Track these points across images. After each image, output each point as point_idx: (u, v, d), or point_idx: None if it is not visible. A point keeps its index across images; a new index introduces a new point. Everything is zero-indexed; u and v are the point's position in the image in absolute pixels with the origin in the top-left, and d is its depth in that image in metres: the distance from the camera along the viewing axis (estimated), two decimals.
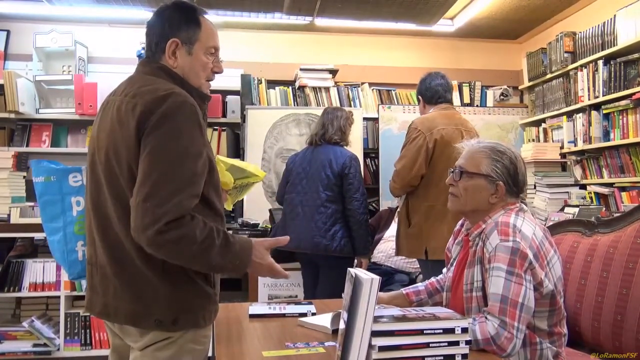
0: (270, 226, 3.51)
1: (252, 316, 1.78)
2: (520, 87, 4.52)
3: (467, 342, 1.26)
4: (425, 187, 2.71)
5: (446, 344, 1.23)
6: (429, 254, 2.65)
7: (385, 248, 3.43)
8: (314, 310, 1.81)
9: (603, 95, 3.40)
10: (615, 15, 3.31)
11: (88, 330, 3.51)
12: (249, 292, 3.44)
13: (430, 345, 1.22)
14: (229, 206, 1.87)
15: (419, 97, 2.95)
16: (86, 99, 3.82)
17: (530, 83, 4.28)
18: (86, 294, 1.44)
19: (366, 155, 4.11)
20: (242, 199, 3.72)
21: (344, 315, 1.18)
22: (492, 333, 1.43)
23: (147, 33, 1.46)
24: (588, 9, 3.80)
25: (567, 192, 3.59)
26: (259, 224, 3.57)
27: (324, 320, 1.62)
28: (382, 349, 1.18)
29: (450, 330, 1.24)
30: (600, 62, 3.43)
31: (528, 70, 4.29)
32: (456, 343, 1.24)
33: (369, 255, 3.21)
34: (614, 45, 3.33)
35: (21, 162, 3.66)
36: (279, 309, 1.83)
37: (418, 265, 3.17)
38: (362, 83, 4.25)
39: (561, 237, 2.23)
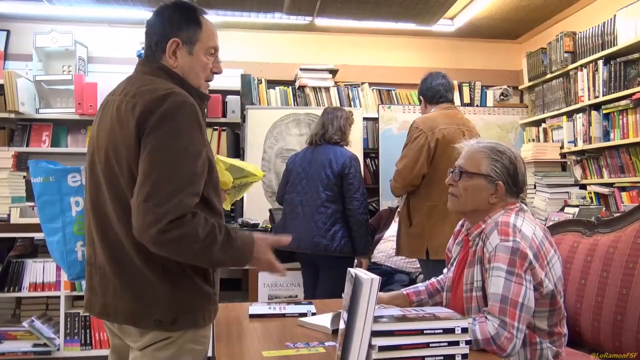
0: (270, 226, 3.51)
1: (252, 316, 1.77)
2: (520, 87, 4.52)
3: (467, 342, 1.26)
4: (427, 187, 2.71)
5: (446, 344, 1.23)
6: (430, 253, 2.65)
7: (386, 248, 3.43)
8: (314, 310, 1.81)
9: (603, 95, 3.40)
10: (615, 15, 3.31)
11: (88, 330, 3.51)
12: (249, 292, 3.44)
13: (430, 345, 1.22)
14: (227, 206, 1.87)
15: (420, 97, 2.95)
16: (86, 99, 3.83)
17: (530, 83, 4.28)
18: (85, 294, 1.44)
19: (366, 155, 4.11)
20: (242, 199, 3.72)
21: (344, 315, 1.18)
22: (492, 333, 1.42)
23: (147, 32, 1.46)
24: (588, 9, 3.81)
25: (567, 192, 3.59)
26: (259, 224, 3.58)
27: (324, 320, 1.62)
28: (382, 349, 1.18)
29: (450, 330, 1.23)
30: (600, 62, 3.43)
31: (528, 70, 4.29)
32: (456, 343, 1.24)
33: (369, 255, 3.21)
34: (614, 45, 3.33)
35: (21, 162, 3.66)
36: (279, 309, 1.83)
37: (418, 265, 3.17)
38: (362, 83, 4.25)
39: (561, 237, 2.23)
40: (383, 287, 2.69)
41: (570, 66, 3.74)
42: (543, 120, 4.11)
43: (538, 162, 3.74)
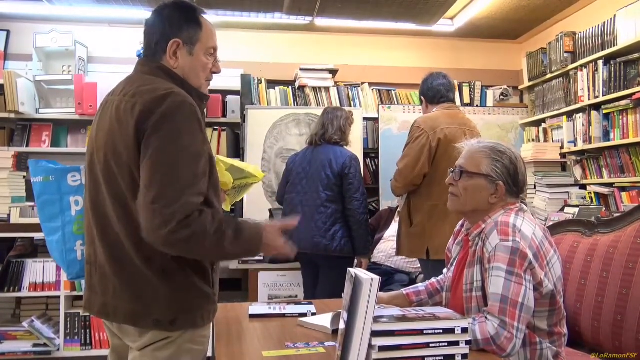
0: None
1: (252, 316, 1.78)
2: (520, 87, 4.52)
3: (467, 342, 1.26)
4: (428, 186, 2.71)
5: (446, 344, 1.23)
6: (431, 253, 2.65)
7: (386, 248, 3.43)
8: (314, 310, 1.81)
9: (603, 95, 3.40)
10: (615, 15, 3.31)
11: (88, 330, 3.51)
12: (249, 292, 3.44)
13: (430, 345, 1.22)
14: (227, 207, 1.87)
15: (422, 97, 2.95)
16: (86, 99, 3.82)
17: (530, 83, 4.28)
18: (84, 293, 1.44)
19: (366, 155, 4.11)
20: (242, 199, 3.72)
21: (344, 315, 1.18)
22: (492, 333, 1.43)
23: (146, 32, 1.46)
24: (588, 9, 3.81)
25: (567, 192, 3.59)
26: None
27: (324, 320, 1.62)
28: (382, 349, 1.19)
29: (450, 330, 1.24)
30: (600, 62, 3.43)
31: (528, 70, 4.29)
32: (456, 343, 1.24)
33: (369, 255, 3.21)
34: (614, 45, 3.33)
35: (21, 162, 3.66)
36: (279, 309, 1.83)
37: (418, 265, 3.17)
38: (362, 83, 4.25)
39: (561, 237, 2.23)
40: (383, 287, 2.69)
41: (570, 66, 3.74)
42: (543, 120, 4.11)
43: (538, 162, 3.74)
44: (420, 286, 1.95)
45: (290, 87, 4.16)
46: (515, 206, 1.65)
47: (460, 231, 1.81)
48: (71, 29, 3.97)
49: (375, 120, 4.16)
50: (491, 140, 1.79)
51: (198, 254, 1.31)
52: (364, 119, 4.12)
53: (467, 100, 4.33)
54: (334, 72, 4.16)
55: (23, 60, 4.02)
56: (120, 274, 1.32)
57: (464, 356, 1.25)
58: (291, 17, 3.94)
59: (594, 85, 3.51)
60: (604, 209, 3.27)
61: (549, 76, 4.01)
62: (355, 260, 3.07)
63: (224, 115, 4.09)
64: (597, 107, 3.51)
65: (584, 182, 3.63)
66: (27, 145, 3.89)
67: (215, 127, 4.02)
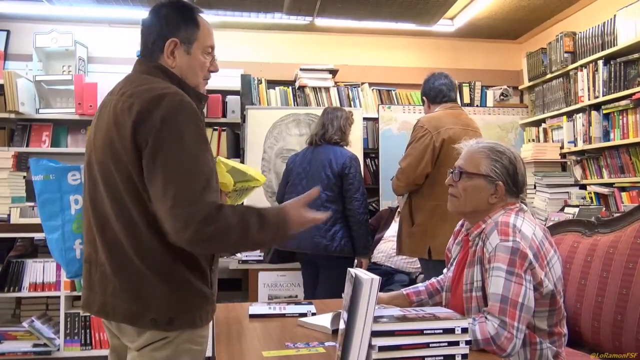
0: None
1: (252, 316, 1.78)
2: (520, 87, 4.52)
3: (467, 342, 1.26)
4: (430, 186, 2.70)
5: (446, 344, 1.23)
6: (432, 253, 2.64)
7: (386, 248, 3.43)
8: (314, 310, 1.81)
9: (603, 95, 3.40)
10: (615, 15, 3.31)
11: (88, 331, 3.51)
12: (249, 292, 3.44)
13: (430, 345, 1.22)
14: None
15: (424, 97, 2.94)
16: (86, 99, 3.83)
17: (530, 83, 4.28)
18: (83, 292, 1.43)
19: (366, 155, 4.11)
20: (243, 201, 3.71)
21: (344, 315, 1.18)
22: (492, 333, 1.43)
23: (143, 32, 1.45)
24: (588, 9, 3.81)
25: (567, 192, 3.59)
26: None
27: (324, 320, 1.62)
28: (382, 349, 1.19)
29: (450, 331, 1.24)
30: (600, 62, 3.43)
31: (528, 70, 4.29)
32: (456, 343, 1.24)
33: (369, 255, 3.21)
34: (614, 45, 3.33)
35: (21, 162, 3.66)
36: (279, 309, 1.83)
37: (418, 266, 3.17)
38: (362, 83, 4.25)
39: (561, 237, 2.23)
40: (383, 287, 2.69)
41: (570, 66, 3.74)
42: (543, 121, 4.11)
43: (538, 162, 3.74)
44: (420, 286, 1.95)
45: (290, 87, 4.16)
46: (515, 206, 1.65)
47: (460, 231, 1.81)
48: (71, 29, 3.97)
49: (375, 120, 4.16)
50: (491, 140, 1.79)
51: (227, 248, 1.34)
52: (364, 119, 4.12)
53: (467, 100, 4.33)
54: (334, 72, 4.16)
55: (23, 60, 4.02)
56: (119, 274, 1.32)
57: (464, 356, 1.25)
58: (291, 17, 3.94)
59: (594, 85, 3.51)
60: (604, 209, 3.27)
61: (549, 76, 4.01)
62: (355, 260, 3.07)
63: (224, 115, 4.09)
64: (597, 107, 3.51)
65: (584, 182, 3.63)
66: (27, 146, 3.89)
67: (215, 127, 4.02)
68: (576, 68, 3.68)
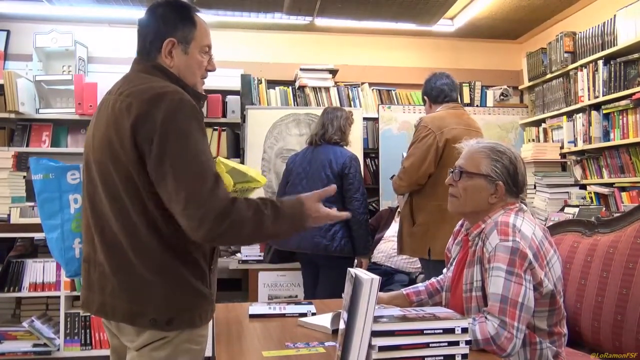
0: None
1: (252, 316, 1.77)
2: (520, 87, 4.52)
3: (467, 342, 1.26)
4: (432, 186, 2.69)
5: (446, 344, 1.23)
6: (433, 253, 2.64)
7: (386, 248, 3.43)
8: (314, 310, 1.81)
9: (603, 95, 3.40)
10: (615, 15, 3.31)
11: (88, 330, 3.51)
12: (249, 292, 3.44)
13: (430, 345, 1.22)
14: None
15: (425, 97, 2.94)
16: (86, 99, 3.83)
17: (530, 83, 4.28)
18: (82, 292, 1.43)
19: (366, 155, 4.10)
20: None
21: (344, 315, 1.18)
22: (492, 333, 1.43)
23: (140, 32, 1.45)
24: (588, 9, 3.81)
25: (567, 192, 3.59)
26: None
27: (324, 320, 1.62)
28: (382, 349, 1.18)
29: (450, 330, 1.24)
30: (600, 62, 3.43)
31: (528, 70, 4.29)
32: (456, 343, 1.24)
33: (369, 255, 3.21)
34: (614, 45, 3.33)
35: (21, 162, 3.66)
36: (279, 309, 1.83)
37: (418, 266, 3.17)
38: (362, 83, 4.25)
39: (561, 237, 2.23)
40: (383, 287, 2.69)
41: (570, 66, 3.74)
42: (543, 120, 4.11)
43: (538, 162, 3.74)
44: (420, 286, 1.95)
45: (290, 87, 4.16)
46: (515, 206, 1.65)
47: (460, 231, 1.81)
48: (71, 29, 3.97)
49: (375, 120, 4.16)
50: (491, 140, 1.79)
51: (243, 240, 1.38)
52: (364, 119, 4.11)
53: (467, 100, 4.33)
54: (334, 72, 4.16)
55: (23, 60, 4.02)
56: (118, 273, 1.32)
57: (464, 356, 1.24)
58: (291, 17, 3.94)
59: (594, 85, 3.51)
60: (604, 209, 3.27)
61: (549, 76, 4.01)
62: (355, 260, 3.07)
63: (224, 115, 4.09)
64: (597, 107, 3.51)
65: (584, 182, 3.63)
66: (27, 145, 3.89)
67: (215, 127, 4.01)
68: (576, 68, 3.68)
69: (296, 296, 3.42)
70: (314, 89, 4.13)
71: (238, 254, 3.60)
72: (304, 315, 1.77)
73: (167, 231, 1.29)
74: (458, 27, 4.22)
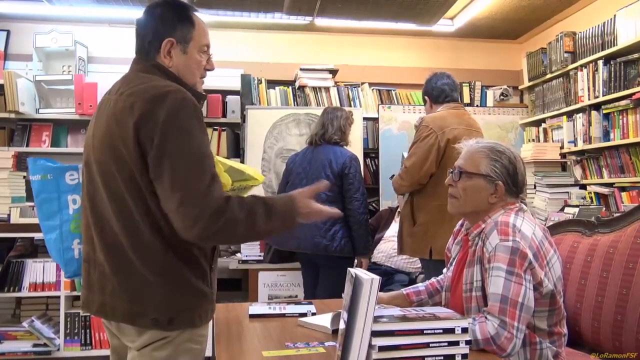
0: None
1: (252, 316, 1.77)
2: (520, 87, 4.52)
3: (467, 342, 1.26)
4: (434, 186, 2.69)
5: (446, 344, 1.23)
6: (434, 253, 2.63)
7: (386, 248, 3.43)
8: (314, 310, 1.81)
9: (603, 95, 3.40)
10: (615, 15, 3.31)
11: (88, 330, 3.51)
12: (249, 292, 3.44)
13: (430, 345, 1.22)
14: None
15: (425, 97, 2.94)
16: (86, 99, 3.83)
17: (530, 83, 4.28)
18: (82, 292, 1.43)
19: (366, 155, 4.10)
20: None
21: (344, 315, 1.18)
22: (492, 333, 1.42)
23: (138, 32, 1.45)
24: (588, 9, 3.81)
25: (567, 192, 3.59)
26: None
27: (324, 320, 1.62)
28: (382, 349, 1.18)
29: (450, 330, 1.24)
30: (600, 62, 3.43)
31: (528, 70, 4.29)
32: (456, 343, 1.24)
33: (369, 255, 3.21)
34: (614, 45, 3.33)
35: (21, 162, 3.66)
36: (279, 309, 1.83)
37: (418, 266, 3.17)
38: (362, 83, 4.25)
39: (561, 237, 2.23)
40: (383, 287, 2.68)
41: (570, 66, 3.74)
42: (543, 120, 4.11)
43: (538, 162, 3.74)
44: (420, 286, 1.95)
45: (290, 87, 4.16)
46: (515, 206, 1.65)
47: (460, 231, 1.81)
48: (71, 29, 3.97)
49: (375, 120, 4.16)
50: (491, 140, 1.79)
51: (236, 240, 1.40)
52: (364, 119, 4.11)
53: (467, 100, 4.33)
54: (334, 72, 4.16)
55: (23, 60, 4.02)
56: (118, 273, 1.32)
57: (464, 356, 1.24)
58: (291, 17, 3.94)
59: (594, 85, 3.51)
60: (604, 209, 3.27)
61: (549, 76, 4.01)
62: (355, 260, 3.07)
63: (224, 115, 4.09)
64: (597, 107, 3.51)
65: (584, 182, 3.63)
66: (27, 145, 3.90)
67: (215, 127, 4.01)
68: (576, 68, 3.68)
69: (296, 296, 3.42)
70: (314, 89, 4.13)
71: (238, 254, 3.60)
72: (304, 315, 1.77)
73: (169, 232, 1.29)
74: (458, 27, 4.22)
